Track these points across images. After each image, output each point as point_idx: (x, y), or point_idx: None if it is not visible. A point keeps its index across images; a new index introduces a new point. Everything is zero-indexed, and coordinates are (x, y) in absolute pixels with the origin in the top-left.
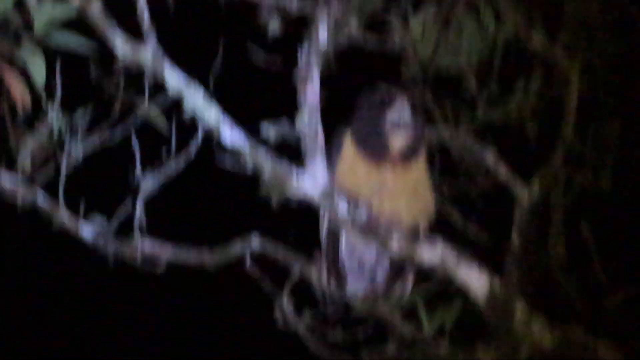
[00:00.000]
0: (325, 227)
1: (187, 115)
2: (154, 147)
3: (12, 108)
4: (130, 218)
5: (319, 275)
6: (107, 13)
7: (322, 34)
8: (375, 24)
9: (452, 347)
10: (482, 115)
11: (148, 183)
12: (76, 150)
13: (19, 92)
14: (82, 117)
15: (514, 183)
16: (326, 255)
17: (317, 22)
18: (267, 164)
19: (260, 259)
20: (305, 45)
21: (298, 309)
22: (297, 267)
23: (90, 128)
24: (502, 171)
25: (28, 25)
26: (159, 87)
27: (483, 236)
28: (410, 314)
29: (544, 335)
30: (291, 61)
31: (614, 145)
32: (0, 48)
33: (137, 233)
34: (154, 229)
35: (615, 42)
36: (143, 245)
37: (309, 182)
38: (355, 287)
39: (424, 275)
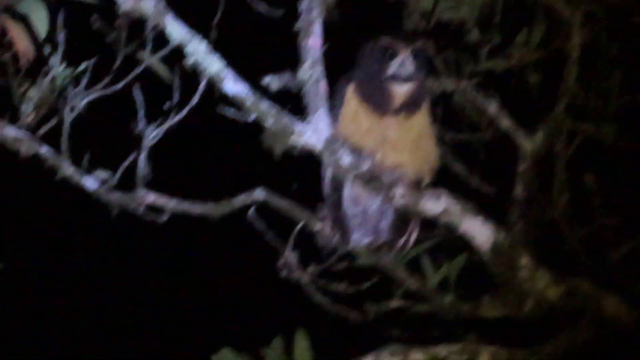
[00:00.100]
0: (328, 179)
1: (189, 67)
2: (157, 99)
3: (15, 60)
4: (133, 169)
5: (322, 226)
6: None
7: None
8: None
9: (456, 300)
10: (485, 66)
11: (151, 134)
12: (79, 101)
13: (22, 44)
14: (85, 68)
15: (517, 133)
16: (329, 207)
17: None
18: (269, 115)
19: (263, 210)
20: None
21: (302, 261)
22: (300, 218)
23: (93, 79)
24: (505, 122)
25: None
26: (161, 38)
27: (486, 187)
28: (414, 266)
29: (549, 287)
30: (293, 12)
31: (616, 95)
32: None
33: (140, 184)
34: (157, 180)
35: None
36: (146, 196)
37: (312, 133)
38: (359, 238)
39: (428, 227)
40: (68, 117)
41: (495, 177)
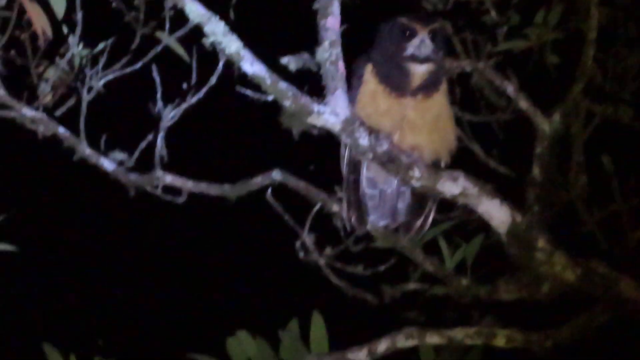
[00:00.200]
0: (346, 160)
1: (207, 47)
2: (175, 79)
3: (33, 40)
4: (151, 150)
5: (339, 208)
6: None
7: None
8: None
9: (473, 283)
10: (503, 47)
11: (169, 115)
12: (97, 82)
13: (40, 24)
14: (102, 48)
15: (535, 114)
16: (347, 188)
17: None
18: (288, 95)
19: (281, 192)
20: None
21: (318, 243)
22: (317, 200)
23: (111, 59)
24: (523, 102)
25: None
26: (180, 18)
27: (504, 168)
28: (431, 248)
29: (566, 270)
30: None
31: (634, 76)
32: None
33: (157, 164)
34: (174, 160)
35: None
36: (164, 177)
37: (330, 113)
38: (376, 220)
39: (445, 209)
40: (86, 97)
41: (513, 159)
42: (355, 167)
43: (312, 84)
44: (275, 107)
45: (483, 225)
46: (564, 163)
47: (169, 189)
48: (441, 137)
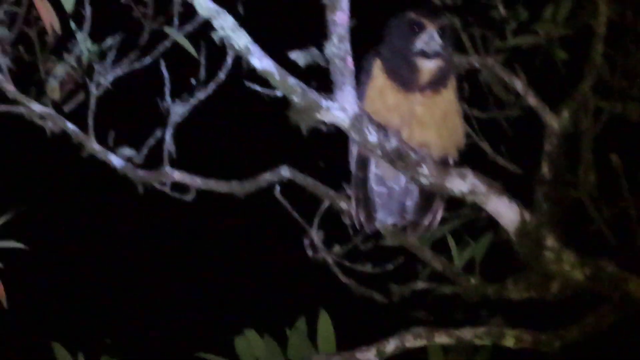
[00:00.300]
0: (354, 157)
1: (216, 42)
2: (184, 75)
3: (42, 35)
4: (159, 146)
5: (348, 205)
6: None
7: None
8: None
9: (481, 282)
10: (512, 42)
11: (177, 110)
12: (105, 77)
13: (49, 19)
14: (111, 44)
15: (544, 111)
16: (355, 186)
17: None
18: (296, 91)
19: (289, 189)
20: None
21: (327, 241)
22: (326, 197)
23: (120, 55)
24: (532, 99)
25: None
26: (188, 13)
27: (513, 166)
28: (439, 246)
29: (575, 269)
30: None
31: None
32: None
33: (166, 161)
34: (183, 156)
35: None
36: (172, 174)
37: (339, 109)
38: (384, 218)
39: (454, 207)
40: (94, 93)
41: (522, 156)
42: (363, 164)
43: (320, 79)
44: (283, 103)
45: (492, 224)
46: (573, 161)
47: (177, 186)
48: (449, 133)
